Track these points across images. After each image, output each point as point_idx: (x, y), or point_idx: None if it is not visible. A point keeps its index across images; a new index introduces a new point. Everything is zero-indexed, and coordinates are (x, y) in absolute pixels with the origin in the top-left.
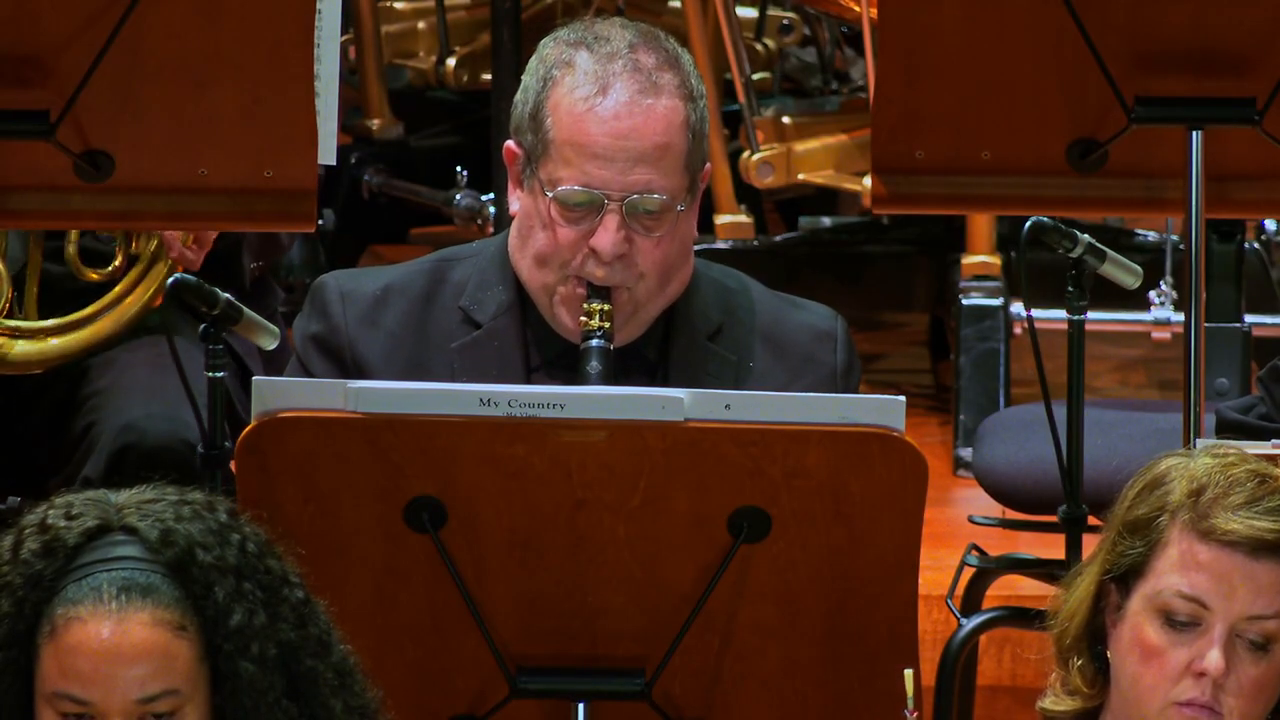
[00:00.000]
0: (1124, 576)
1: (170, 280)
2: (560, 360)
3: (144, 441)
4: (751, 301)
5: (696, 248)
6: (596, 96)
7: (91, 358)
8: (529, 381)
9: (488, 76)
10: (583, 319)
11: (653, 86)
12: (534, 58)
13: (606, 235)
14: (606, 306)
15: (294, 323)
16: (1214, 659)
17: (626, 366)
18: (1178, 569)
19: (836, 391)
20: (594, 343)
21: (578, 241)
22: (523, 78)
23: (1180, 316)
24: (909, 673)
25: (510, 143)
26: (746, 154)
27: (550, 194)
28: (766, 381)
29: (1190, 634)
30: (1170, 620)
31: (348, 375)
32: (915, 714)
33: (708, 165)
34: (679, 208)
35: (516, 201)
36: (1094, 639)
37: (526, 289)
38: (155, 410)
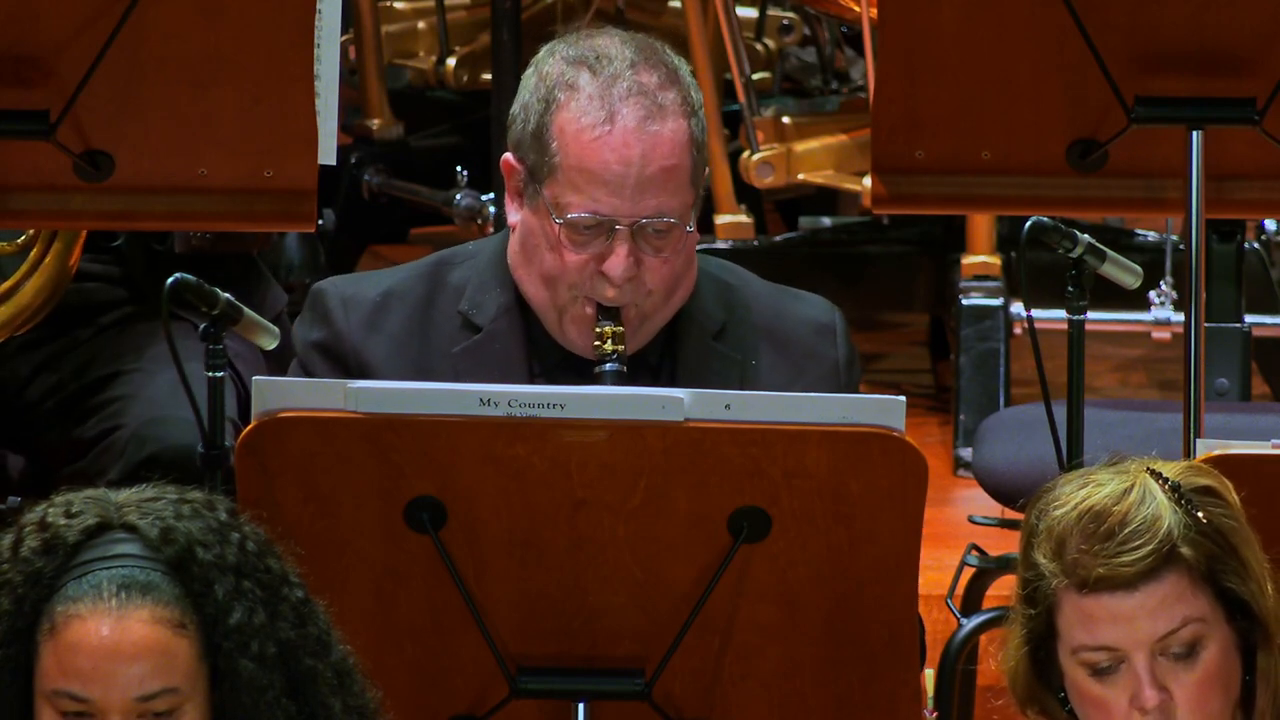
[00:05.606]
0: (1043, 640)
1: (170, 280)
2: (562, 365)
3: (168, 450)
4: (752, 297)
5: (695, 247)
6: (604, 125)
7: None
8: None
9: (488, 76)
10: (595, 343)
11: (658, 110)
12: (531, 72)
13: (617, 260)
14: (619, 329)
15: (293, 329)
16: (1148, 694)
17: (630, 373)
18: (1077, 625)
19: (840, 384)
20: (609, 367)
21: (586, 263)
22: (520, 91)
23: (1180, 316)
24: (929, 672)
25: (509, 156)
26: (746, 154)
27: (559, 220)
28: (771, 378)
29: (1119, 674)
30: (1095, 670)
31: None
32: (934, 714)
33: (706, 170)
34: (688, 228)
35: (516, 214)
36: (1048, 688)
37: (531, 304)
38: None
